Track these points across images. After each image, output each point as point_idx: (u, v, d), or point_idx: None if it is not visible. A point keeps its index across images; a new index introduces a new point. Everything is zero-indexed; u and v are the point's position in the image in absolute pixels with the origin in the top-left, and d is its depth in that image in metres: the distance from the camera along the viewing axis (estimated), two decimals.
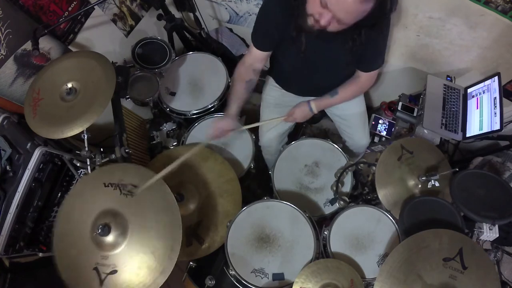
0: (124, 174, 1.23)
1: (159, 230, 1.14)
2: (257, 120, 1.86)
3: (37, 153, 1.32)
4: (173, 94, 1.88)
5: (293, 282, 1.29)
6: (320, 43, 1.35)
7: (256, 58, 1.48)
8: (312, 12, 1.12)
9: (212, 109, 1.84)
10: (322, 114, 1.94)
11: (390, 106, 2.11)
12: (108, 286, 1.13)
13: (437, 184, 1.35)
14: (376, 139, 2.02)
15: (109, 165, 1.37)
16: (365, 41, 1.27)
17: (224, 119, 1.58)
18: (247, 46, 2.40)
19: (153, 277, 1.11)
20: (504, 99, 1.61)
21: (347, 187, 1.62)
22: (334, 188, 1.59)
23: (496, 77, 1.61)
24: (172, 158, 1.59)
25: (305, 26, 1.18)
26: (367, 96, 2.35)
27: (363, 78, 1.52)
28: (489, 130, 1.57)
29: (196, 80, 1.91)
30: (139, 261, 1.13)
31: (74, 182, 1.50)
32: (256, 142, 1.79)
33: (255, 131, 1.83)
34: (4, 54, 1.39)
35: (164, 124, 1.95)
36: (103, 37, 1.85)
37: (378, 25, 1.20)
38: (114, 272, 1.14)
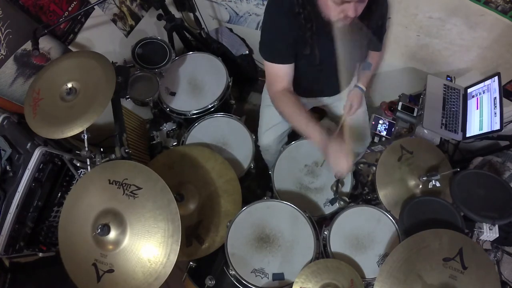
0: (129, 173, 1.23)
1: (157, 239, 1.15)
2: (256, 120, 1.86)
3: (37, 153, 1.32)
4: (173, 94, 1.88)
5: (293, 282, 1.29)
6: (331, 47, 1.36)
7: (284, 75, 1.36)
8: (335, 15, 1.14)
9: (212, 109, 1.84)
10: (322, 114, 1.94)
11: (390, 106, 2.11)
12: (104, 283, 1.14)
13: (438, 184, 1.36)
14: (376, 139, 2.02)
15: (115, 161, 1.37)
16: (373, 28, 1.33)
17: (335, 149, 1.23)
18: (247, 46, 2.40)
19: (147, 282, 1.12)
20: (504, 99, 1.61)
21: (347, 187, 1.62)
22: (334, 188, 1.59)
23: (496, 77, 1.61)
24: (172, 158, 1.61)
25: (332, 29, 1.19)
26: (367, 96, 2.35)
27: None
28: (489, 130, 1.57)
29: (196, 80, 1.91)
30: (134, 265, 1.14)
31: (74, 182, 1.50)
32: (256, 142, 1.79)
33: (254, 131, 1.83)
34: (4, 54, 1.39)
35: (164, 124, 1.95)
36: (103, 37, 1.85)
37: (377, 7, 1.24)
38: (111, 271, 1.14)
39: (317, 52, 1.33)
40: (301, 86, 1.57)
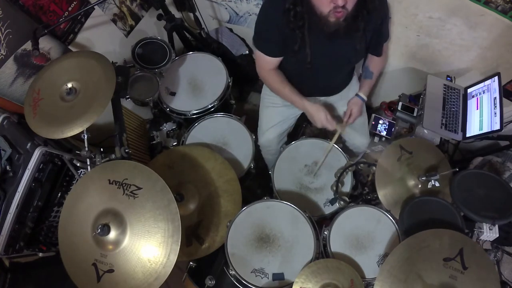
0: (129, 173, 1.23)
1: (157, 239, 1.15)
2: (256, 120, 1.86)
3: (37, 153, 1.32)
4: (173, 94, 1.88)
5: (293, 282, 1.29)
6: (326, 47, 1.36)
7: (272, 64, 1.51)
8: (326, 5, 1.15)
9: (212, 109, 1.84)
10: None
11: (390, 106, 2.10)
12: (104, 283, 1.14)
13: (437, 184, 1.35)
14: (376, 139, 2.02)
15: (115, 161, 1.37)
16: (371, 30, 1.34)
17: (320, 115, 1.51)
18: (247, 46, 2.40)
19: (147, 282, 1.12)
20: (504, 99, 1.61)
21: (347, 187, 1.62)
22: (334, 188, 1.59)
23: (496, 77, 1.61)
24: (172, 158, 1.61)
25: (325, 25, 1.21)
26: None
27: (381, 57, 1.62)
28: (489, 130, 1.56)
29: (196, 80, 1.91)
30: (134, 265, 1.14)
31: (74, 182, 1.50)
32: (256, 142, 1.79)
33: (254, 131, 1.83)
34: (4, 54, 1.39)
35: (164, 124, 1.95)
36: (103, 37, 1.85)
37: (374, 10, 1.26)
38: (111, 271, 1.14)
39: (308, 51, 1.35)
40: (293, 84, 1.58)
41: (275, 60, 1.49)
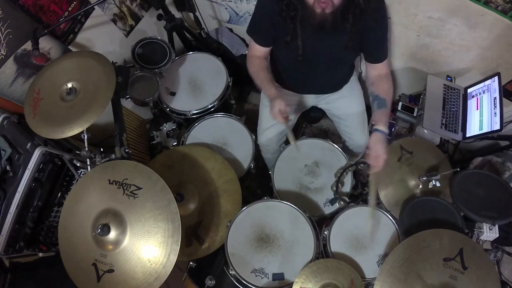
0: (129, 173, 1.23)
1: (157, 239, 1.15)
2: (256, 120, 1.86)
3: (37, 153, 1.32)
4: (173, 94, 1.88)
5: (293, 282, 1.29)
6: (316, 40, 1.36)
7: (261, 52, 1.53)
8: None
9: (212, 109, 1.84)
10: (322, 114, 1.94)
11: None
12: (104, 283, 1.14)
13: (438, 184, 1.36)
14: None
15: (115, 161, 1.37)
16: (362, 29, 1.32)
17: (275, 103, 1.41)
18: (247, 46, 2.40)
19: (147, 282, 1.12)
20: (504, 99, 1.61)
21: (347, 187, 1.62)
22: (334, 188, 1.59)
23: (496, 77, 1.61)
24: (172, 158, 1.61)
25: (311, 16, 1.22)
26: (367, 96, 2.35)
27: (384, 70, 1.49)
28: (489, 130, 1.57)
29: (196, 80, 1.91)
30: (134, 265, 1.14)
31: (74, 182, 1.50)
32: (256, 142, 1.79)
33: (254, 131, 1.83)
34: (4, 54, 1.39)
35: (164, 124, 1.95)
36: (103, 37, 1.85)
37: (369, 10, 1.24)
38: (111, 271, 1.14)
39: (299, 42, 1.36)
40: (287, 80, 1.58)
41: (264, 50, 1.52)
